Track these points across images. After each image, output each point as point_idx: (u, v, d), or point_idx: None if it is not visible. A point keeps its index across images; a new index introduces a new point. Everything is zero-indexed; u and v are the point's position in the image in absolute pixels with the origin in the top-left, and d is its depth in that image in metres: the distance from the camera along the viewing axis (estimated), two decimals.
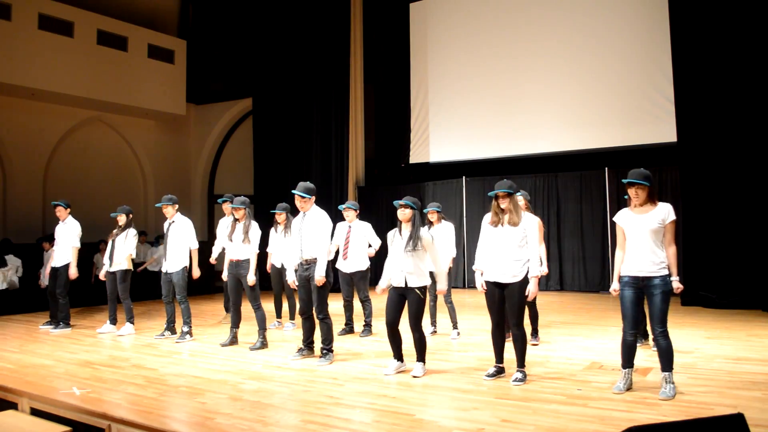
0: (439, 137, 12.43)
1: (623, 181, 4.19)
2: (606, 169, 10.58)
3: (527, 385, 4.29)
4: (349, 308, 6.91)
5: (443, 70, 12.44)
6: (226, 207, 7.44)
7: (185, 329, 6.61)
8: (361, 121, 12.94)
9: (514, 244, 4.38)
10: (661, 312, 4.09)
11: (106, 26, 12.53)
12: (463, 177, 12.00)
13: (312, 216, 5.37)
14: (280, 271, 7.32)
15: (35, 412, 4.18)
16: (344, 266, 6.81)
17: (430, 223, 6.45)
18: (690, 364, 4.82)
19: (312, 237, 5.32)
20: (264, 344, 6.03)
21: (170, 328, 6.87)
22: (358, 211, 6.98)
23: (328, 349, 5.26)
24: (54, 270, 7.64)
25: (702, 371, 4.59)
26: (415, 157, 12.79)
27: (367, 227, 6.95)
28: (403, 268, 4.69)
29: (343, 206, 6.92)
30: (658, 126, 10.01)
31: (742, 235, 8.19)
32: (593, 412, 3.62)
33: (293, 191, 5.38)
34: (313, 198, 5.42)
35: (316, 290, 5.25)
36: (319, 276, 5.17)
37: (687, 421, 2.73)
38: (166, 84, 13.68)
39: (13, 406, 4.35)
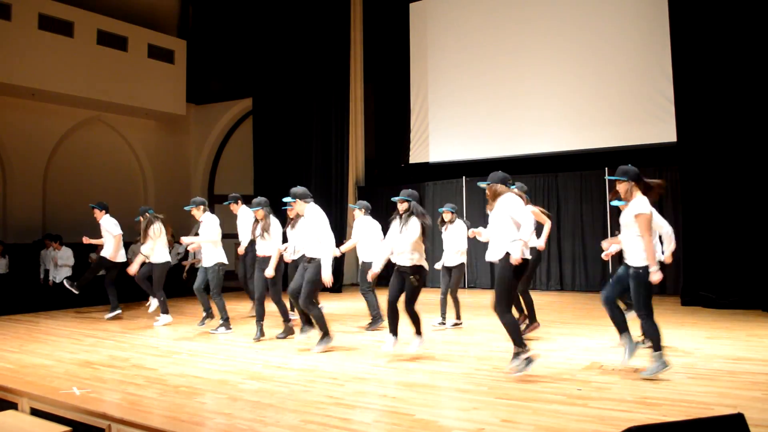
0: (439, 137, 12.43)
1: (609, 178, 4.55)
2: (606, 169, 10.56)
3: (527, 384, 4.30)
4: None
5: (443, 70, 12.44)
6: (233, 207, 7.98)
7: (220, 322, 7.03)
8: (361, 121, 12.94)
9: (497, 227, 4.62)
10: (636, 299, 4.40)
11: (106, 26, 12.54)
12: (463, 177, 12.00)
13: (306, 217, 5.72)
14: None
15: (35, 412, 4.18)
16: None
17: (444, 222, 7.00)
18: (690, 364, 4.82)
19: (308, 236, 5.67)
20: (262, 334, 6.48)
21: (209, 315, 7.26)
22: (363, 210, 7.29)
23: (324, 332, 5.69)
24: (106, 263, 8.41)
25: (702, 371, 4.59)
26: (415, 157, 12.79)
27: (374, 225, 7.21)
28: (396, 249, 5.19)
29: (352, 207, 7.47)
30: (658, 126, 10.01)
31: (741, 235, 8.19)
32: (593, 412, 3.61)
33: (285, 199, 5.84)
34: (299, 200, 5.70)
35: (308, 284, 5.56)
36: (326, 277, 5.45)
37: (687, 421, 2.73)
38: (166, 84, 13.69)
39: (13, 406, 4.35)
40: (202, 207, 7.22)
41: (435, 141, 12.49)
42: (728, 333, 6.28)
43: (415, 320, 5.28)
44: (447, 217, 6.99)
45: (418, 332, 5.33)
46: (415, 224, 5.16)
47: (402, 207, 5.27)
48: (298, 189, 5.75)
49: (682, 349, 5.43)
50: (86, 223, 12.46)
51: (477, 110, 11.93)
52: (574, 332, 6.50)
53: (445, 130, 12.36)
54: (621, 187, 4.46)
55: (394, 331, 5.26)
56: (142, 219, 7.84)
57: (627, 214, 4.42)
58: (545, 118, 11.13)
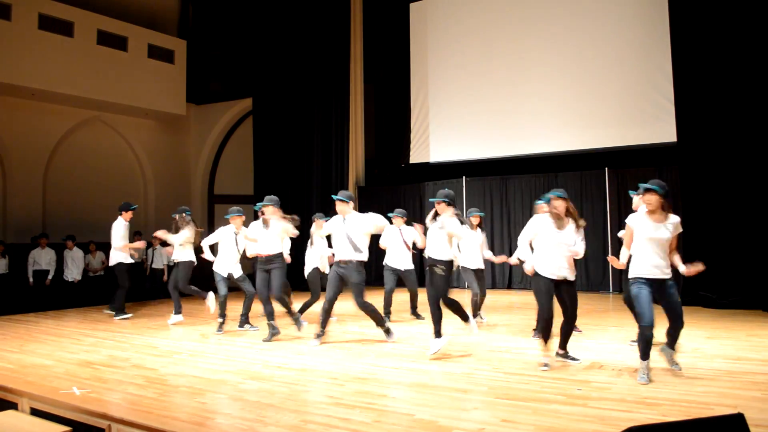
0: (439, 137, 12.43)
1: (642, 186, 4.46)
2: (606, 169, 10.58)
3: (527, 384, 4.30)
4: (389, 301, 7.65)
5: (443, 70, 12.44)
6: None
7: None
8: (361, 121, 12.94)
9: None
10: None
11: (106, 26, 12.54)
12: (463, 177, 12.00)
13: (354, 219, 5.95)
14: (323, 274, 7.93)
15: (35, 412, 4.18)
16: (397, 263, 7.59)
17: (471, 225, 7.17)
18: (690, 364, 4.82)
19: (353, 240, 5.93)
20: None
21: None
22: (405, 218, 7.74)
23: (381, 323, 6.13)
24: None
25: (702, 371, 4.58)
26: (415, 157, 12.79)
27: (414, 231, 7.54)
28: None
29: (392, 214, 7.68)
30: (658, 126, 10.02)
31: (742, 235, 8.19)
32: (593, 412, 3.61)
33: (335, 197, 5.98)
34: (351, 201, 6.03)
35: (355, 287, 5.92)
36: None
37: (687, 421, 2.73)
38: (166, 84, 13.69)
39: (13, 406, 4.35)
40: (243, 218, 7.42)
41: (435, 141, 12.49)
42: (728, 333, 6.28)
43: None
44: (475, 221, 7.18)
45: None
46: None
47: (441, 208, 5.42)
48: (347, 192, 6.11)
49: (682, 349, 5.43)
50: (86, 222, 12.51)
51: (477, 110, 11.92)
52: (574, 332, 6.48)
53: (445, 130, 12.36)
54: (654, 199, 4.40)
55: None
56: (178, 217, 7.89)
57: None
58: (545, 118, 11.13)
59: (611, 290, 10.34)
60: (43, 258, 10.72)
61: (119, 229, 8.39)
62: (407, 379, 4.59)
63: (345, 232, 5.91)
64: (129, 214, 8.48)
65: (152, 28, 13.63)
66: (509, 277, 11.55)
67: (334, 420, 3.58)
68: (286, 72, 13.23)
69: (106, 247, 11.57)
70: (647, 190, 4.37)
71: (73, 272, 10.91)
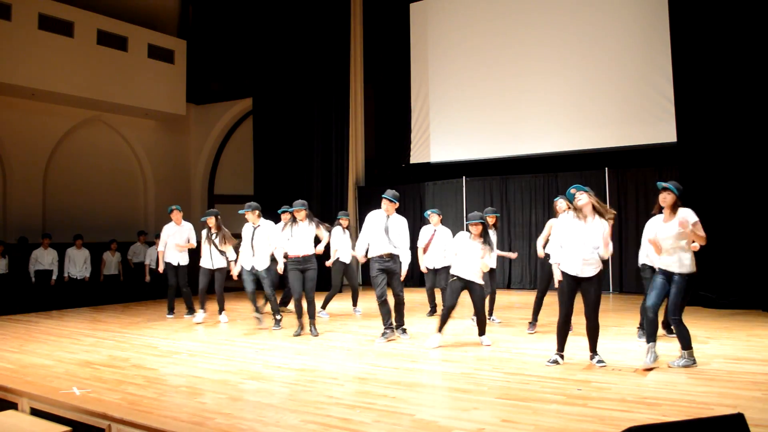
0: (440, 137, 12.43)
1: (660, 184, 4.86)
2: (606, 169, 10.58)
3: (527, 384, 4.30)
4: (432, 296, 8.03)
5: (443, 70, 12.44)
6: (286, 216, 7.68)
7: (278, 317, 7.23)
8: (361, 121, 12.94)
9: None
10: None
11: (106, 26, 12.54)
12: (463, 177, 12.00)
13: (396, 219, 6.28)
14: (345, 266, 8.15)
15: (35, 412, 4.18)
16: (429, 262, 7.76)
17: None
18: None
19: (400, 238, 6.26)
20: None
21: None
22: (441, 216, 7.92)
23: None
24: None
25: (702, 371, 4.58)
26: (416, 157, 12.79)
27: (448, 233, 7.71)
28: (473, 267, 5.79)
29: (428, 212, 7.88)
30: (658, 126, 10.02)
31: (741, 235, 8.19)
32: (593, 412, 3.61)
33: (384, 195, 6.25)
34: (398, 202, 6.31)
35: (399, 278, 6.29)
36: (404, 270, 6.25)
37: (687, 421, 2.73)
38: (166, 84, 13.69)
39: (13, 406, 4.35)
40: (257, 212, 7.32)
41: (435, 141, 12.49)
42: (728, 333, 6.28)
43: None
44: (491, 220, 7.06)
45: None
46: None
47: (477, 229, 5.80)
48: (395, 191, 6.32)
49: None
50: (87, 223, 12.50)
51: (478, 110, 11.92)
52: (574, 332, 6.48)
53: (445, 130, 12.36)
54: (671, 198, 4.80)
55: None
56: (213, 219, 7.91)
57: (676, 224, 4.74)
58: (546, 118, 11.13)
59: (611, 290, 10.34)
60: (45, 258, 10.73)
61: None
62: (407, 379, 4.60)
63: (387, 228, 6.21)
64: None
65: (152, 28, 13.62)
66: (509, 277, 11.55)
67: (334, 420, 3.58)
68: (286, 72, 13.22)
69: (124, 247, 11.72)
70: (665, 189, 4.81)
71: (82, 271, 10.99)
